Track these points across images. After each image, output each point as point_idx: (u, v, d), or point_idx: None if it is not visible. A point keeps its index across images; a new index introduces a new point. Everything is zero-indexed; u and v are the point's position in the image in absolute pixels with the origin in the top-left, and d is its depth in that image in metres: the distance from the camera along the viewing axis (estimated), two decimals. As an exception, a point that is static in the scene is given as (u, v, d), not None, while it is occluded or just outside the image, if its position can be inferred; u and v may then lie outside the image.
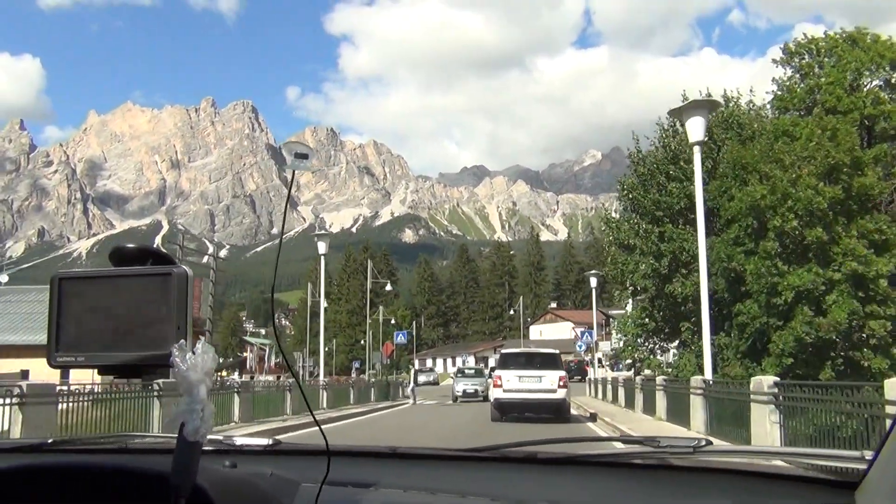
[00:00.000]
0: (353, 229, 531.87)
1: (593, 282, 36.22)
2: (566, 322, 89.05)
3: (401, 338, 49.64)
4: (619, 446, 1.88)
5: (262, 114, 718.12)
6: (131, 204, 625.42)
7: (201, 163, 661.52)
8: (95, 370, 1.23)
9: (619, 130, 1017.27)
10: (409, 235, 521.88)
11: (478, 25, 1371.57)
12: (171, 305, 1.16)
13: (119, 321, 1.18)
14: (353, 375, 77.86)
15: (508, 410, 19.05)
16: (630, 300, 25.98)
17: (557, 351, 21.44)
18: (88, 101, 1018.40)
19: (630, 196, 22.81)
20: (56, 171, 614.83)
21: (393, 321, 76.92)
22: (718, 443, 2.17)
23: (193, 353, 1.11)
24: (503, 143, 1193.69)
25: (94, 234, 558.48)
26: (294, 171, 1.41)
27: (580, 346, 43.16)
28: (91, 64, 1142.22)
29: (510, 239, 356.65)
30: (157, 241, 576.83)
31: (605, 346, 45.07)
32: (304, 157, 1.53)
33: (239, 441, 1.92)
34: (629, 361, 25.91)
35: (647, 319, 22.27)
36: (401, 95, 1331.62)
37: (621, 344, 25.16)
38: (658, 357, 23.28)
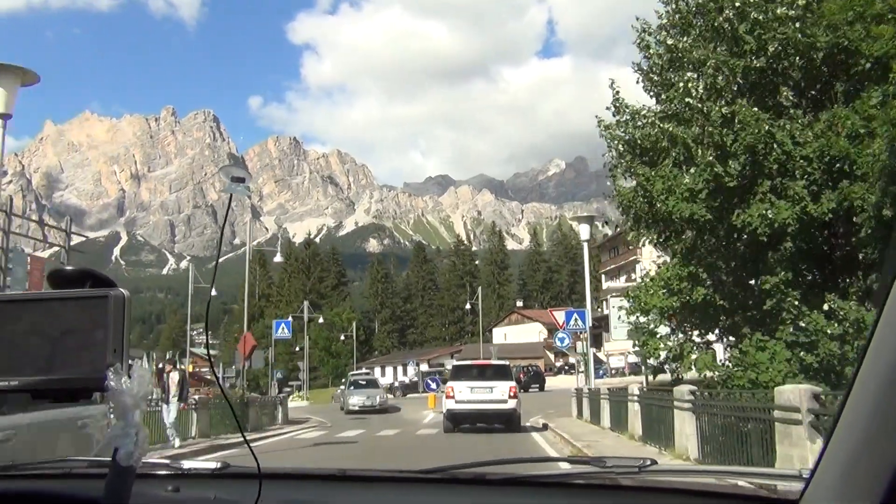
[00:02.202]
0: (317, 239, 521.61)
1: (584, 232, 23.50)
2: (534, 323, 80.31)
3: (283, 329, 35.76)
4: (568, 466, 1.94)
5: (223, 123, 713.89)
6: (89, 215, 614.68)
7: (161, 173, 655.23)
8: (29, 394, 1.23)
9: (582, 140, 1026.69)
10: (373, 245, 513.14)
11: (441, 35, 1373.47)
12: (107, 328, 1.14)
13: (54, 344, 1.16)
14: (273, 389, 67.12)
15: (460, 421, 19.73)
16: (650, 252, 17.07)
17: (508, 363, 23.47)
18: (44, 111, 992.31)
19: (665, 47, 12.70)
20: (10, 182, 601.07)
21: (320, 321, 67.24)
22: (664, 462, 2.06)
23: (129, 376, 1.10)
24: (468, 152, 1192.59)
25: (51, 246, 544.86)
26: (231, 195, 1.53)
27: (561, 340, 28.89)
28: (47, 72, 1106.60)
29: (476, 248, 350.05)
30: (116, 252, 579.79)
31: (581, 349, 36.96)
32: (242, 180, 1.56)
33: (186, 465, 1.91)
34: (654, 362, 15.33)
35: (686, 286, 12.50)
36: (365, 105, 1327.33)
37: (634, 333, 15.33)
38: (699, 352, 13.45)
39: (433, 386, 33.68)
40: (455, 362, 26.22)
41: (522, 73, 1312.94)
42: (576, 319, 25.30)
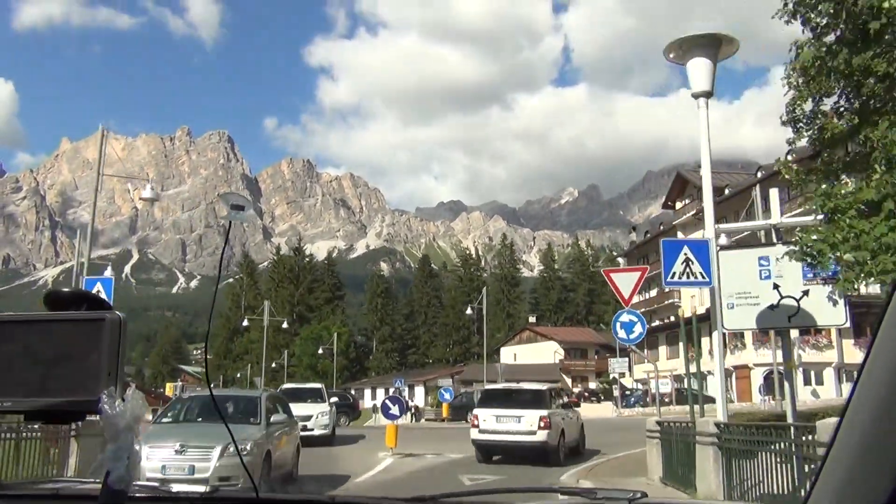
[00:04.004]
0: (328, 262, 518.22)
1: (699, 75, 10.20)
2: (548, 341, 72.40)
3: (98, 292, 12.02)
4: (558, 497, 1.96)
5: (238, 144, 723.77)
6: (102, 233, 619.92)
7: (175, 192, 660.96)
8: (22, 415, 1.24)
9: (595, 168, 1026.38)
10: (384, 269, 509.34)
11: (457, 60, 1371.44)
12: (102, 351, 1.15)
13: (49, 366, 1.17)
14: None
15: (487, 453, 18.34)
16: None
17: (545, 387, 20.88)
18: (62, 128, 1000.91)
19: None
20: (25, 198, 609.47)
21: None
22: (655, 494, 2.21)
23: (123, 399, 1.11)
24: (481, 178, 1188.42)
25: (62, 262, 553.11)
26: (231, 222, 1.57)
27: (629, 327, 14.67)
28: (66, 89, 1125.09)
29: (486, 275, 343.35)
30: (127, 269, 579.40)
31: (616, 366, 28.02)
32: (241, 208, 1.60)
33: (175, 488, 1.94)
34: None
35: None
36: (379, 129, 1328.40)
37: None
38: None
39: (394, 411, 21.56)
40: (485, 387, 23.32)
41: (537, 101, 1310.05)
42: (686, 265, 10.17)
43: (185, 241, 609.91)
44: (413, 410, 51.92)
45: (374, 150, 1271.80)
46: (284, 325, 59.94)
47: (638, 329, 14.66)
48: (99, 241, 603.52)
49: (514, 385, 23.34)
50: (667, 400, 42.63)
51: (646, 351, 52.98)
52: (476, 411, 19.07)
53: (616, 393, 44.32)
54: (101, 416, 1.08)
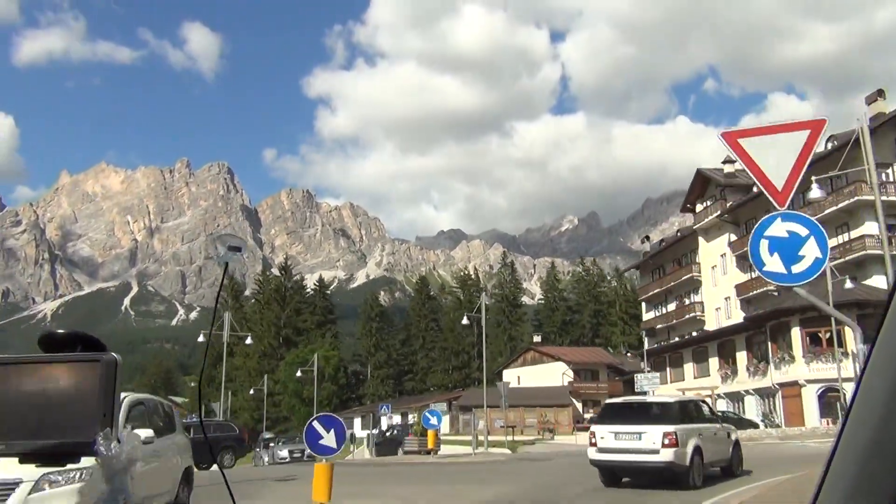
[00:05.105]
0: (328, 291, 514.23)
1: None
2: (555, 362, 67.03)
3: None
4: None
5: (237, 175, 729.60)
6: (101, 265, 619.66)
7: (174, 224, 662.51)
8: (17, 458, 1.21)
9: (595, 196, 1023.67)
10: (384, 298, 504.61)
11: (456, 89, 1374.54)
12: (97, 393, 1.15)
13: (44, 408, 1.16)
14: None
15: (611, 475, 16.62)
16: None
17: (673, 399, 18.48)
18: (62, 161, 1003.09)
19: None
20: (24, 231, 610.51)
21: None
22: None
23: (118, 441, 1.11)
24: (481, 206, 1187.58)
25: (62, 296, 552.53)
26: (227, 264, 1.58)
27: (789, 258, 5.55)
28: (66, 123, 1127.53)
29: (487, 302, 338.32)
30: (126, 302, 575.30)
31: (645, 382, 23.13)
32: (238, 249, 1.59)
33: None
34: None
35: None
36: (378, 158, 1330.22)
37: None
38: None
39: (326, 441, 10.94)
40: (606, 401, 21.64)
41: (536, 129, 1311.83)
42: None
43: (185, 272, 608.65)
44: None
45: (373, 180, 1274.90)
46: (249, 341, 55.14)
47: (812, 251, 5.53)
48: (99, 274, 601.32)
49: (636, 398, 21.62)
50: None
51: (668, 370, 47.98)
52: (593, 428, 17.45)
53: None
54: (96, 458, 1.07)
